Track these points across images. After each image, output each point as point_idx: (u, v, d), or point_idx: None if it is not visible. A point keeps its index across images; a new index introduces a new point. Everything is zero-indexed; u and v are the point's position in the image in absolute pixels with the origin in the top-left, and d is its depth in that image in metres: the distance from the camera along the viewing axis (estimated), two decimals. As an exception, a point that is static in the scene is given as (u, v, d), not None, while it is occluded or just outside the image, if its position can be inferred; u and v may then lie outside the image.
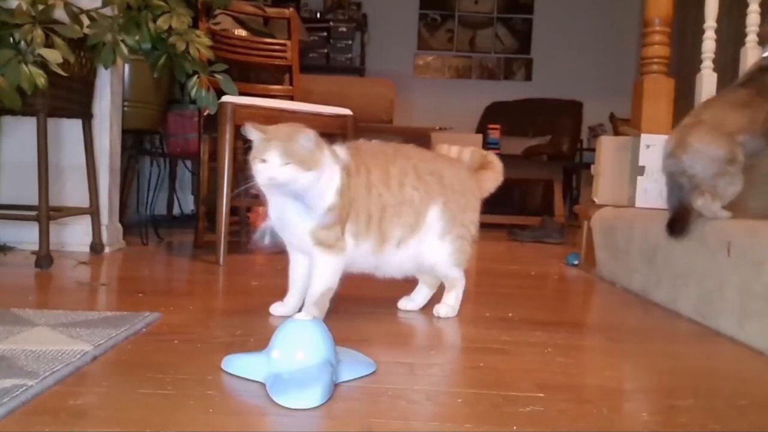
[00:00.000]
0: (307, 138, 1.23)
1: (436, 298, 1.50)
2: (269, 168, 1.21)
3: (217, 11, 2.69)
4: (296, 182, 1.23)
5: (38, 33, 1.69)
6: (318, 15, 6.14)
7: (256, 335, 1.21)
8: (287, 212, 1.30)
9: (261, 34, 3.05)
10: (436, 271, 1.46)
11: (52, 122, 2.12)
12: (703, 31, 2.27)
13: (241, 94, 2.21)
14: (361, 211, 1.33)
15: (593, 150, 2.66)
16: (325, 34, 6.04)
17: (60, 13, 1.86)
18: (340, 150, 1.34)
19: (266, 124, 2.17)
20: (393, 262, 1.41)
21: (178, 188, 3.65)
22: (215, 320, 1.38)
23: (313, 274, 1.33)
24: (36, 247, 1.90)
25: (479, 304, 1.67)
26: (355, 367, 1.00)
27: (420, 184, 1.39)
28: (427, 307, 1.50)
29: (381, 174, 1.35)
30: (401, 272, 1.46)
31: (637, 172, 2.13)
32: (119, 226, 2.50)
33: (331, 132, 2.32)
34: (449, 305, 1.47)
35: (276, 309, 1.41)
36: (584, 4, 6.28)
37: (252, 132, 1.25)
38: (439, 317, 1.45)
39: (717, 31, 2.26)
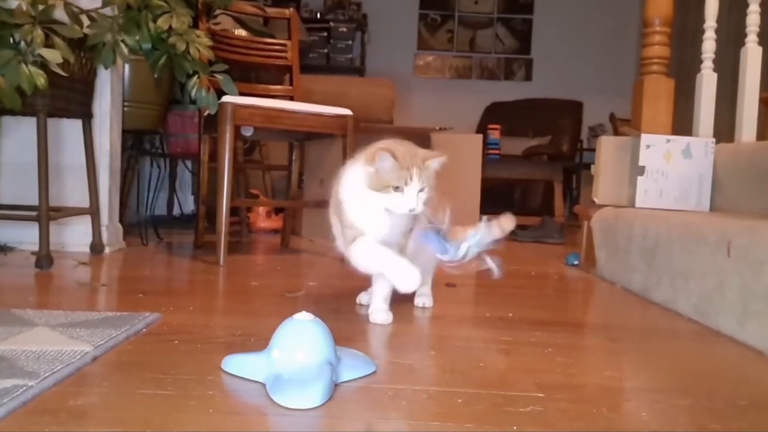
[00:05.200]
0: (439, 163, 1.25)
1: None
2: (410, 199, 1.22)
3: (217, 11, 2.69)
4: (426, 206, 1.25)
5: (38, 33, 1.69)
6: (318, 15, 6.14)
7: (256, 335, 1.21)
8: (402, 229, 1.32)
9: (261, 34, 3.04)
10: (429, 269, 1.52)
11: (52, 122, 2.12)
12: (703, 31, 2.27)
13: (242, 94, 2.21)
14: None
15: (593, 150, 2.66)
16: (325, 34, 6.04)
17: (60, 13, 1.86)
18: None
19: (266, 124, 2.22)
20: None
21: (178, 188, 3.65)
22: (215, 320, 1.38)
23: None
24: (36, 248, 1.90)
25: (479, 304, 1.67)
26: (355, 367, 0.99)
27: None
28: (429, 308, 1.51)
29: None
30: None
31: (637, 172, 2.13)
32: (119, 226, 2.50)
33: (332, 132, 2.32)
34: (430, 295, 1.56)
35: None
36: (584, 4, 6.28)
37: (386, 159, 1.21)
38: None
39: (717, 31, 2.27)
